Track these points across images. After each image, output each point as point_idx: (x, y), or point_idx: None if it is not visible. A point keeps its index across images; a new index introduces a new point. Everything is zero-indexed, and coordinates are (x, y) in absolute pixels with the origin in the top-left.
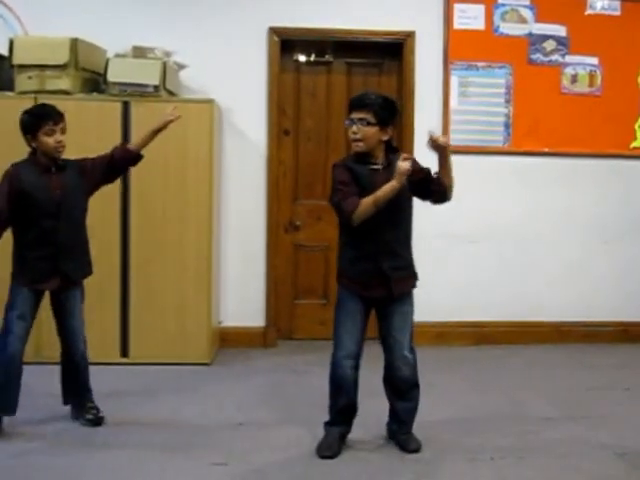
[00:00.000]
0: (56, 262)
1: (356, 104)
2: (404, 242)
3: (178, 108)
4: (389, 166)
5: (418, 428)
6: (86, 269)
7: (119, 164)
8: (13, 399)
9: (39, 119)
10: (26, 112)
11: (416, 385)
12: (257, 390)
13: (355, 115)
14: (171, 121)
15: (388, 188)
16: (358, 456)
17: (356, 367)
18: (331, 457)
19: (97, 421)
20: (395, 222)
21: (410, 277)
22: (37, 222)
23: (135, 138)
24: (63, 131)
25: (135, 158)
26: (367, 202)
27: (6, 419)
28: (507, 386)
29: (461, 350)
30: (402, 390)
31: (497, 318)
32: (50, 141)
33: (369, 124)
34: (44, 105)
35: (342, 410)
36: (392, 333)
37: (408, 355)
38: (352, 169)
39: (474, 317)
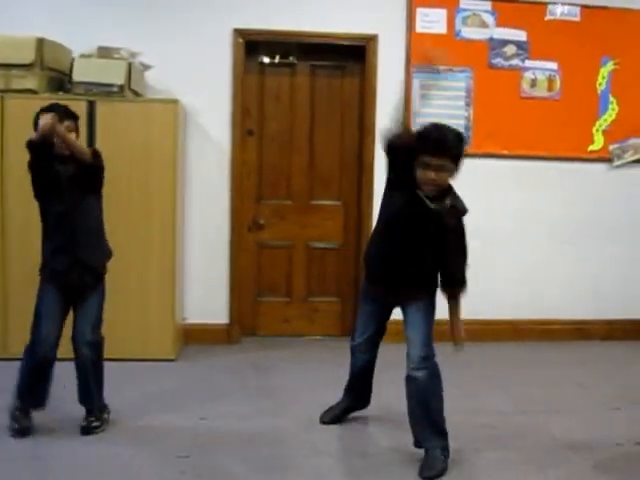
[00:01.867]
0: None
1: (437, 149)
2: (426, 268)
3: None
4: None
5: (372, 421)
6: None
7: None
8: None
9: None
10: None
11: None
12: (221, 385)
13: (435, 162)
14: None
15: None
16: (318, 450)
17: (366, 350)
18: (323, 420)
19: (83, 430)
20: (425, 250)
21: (424, 290)
22: None
23: (100, 138)
24: None
25: None
26: None
27: None
28: (463, 381)
29: None
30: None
31: None
32: None
33: (446, 170)
34: None
35: (348, 384)
36: (406, 331)
37: (421, 354)
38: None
39: None
